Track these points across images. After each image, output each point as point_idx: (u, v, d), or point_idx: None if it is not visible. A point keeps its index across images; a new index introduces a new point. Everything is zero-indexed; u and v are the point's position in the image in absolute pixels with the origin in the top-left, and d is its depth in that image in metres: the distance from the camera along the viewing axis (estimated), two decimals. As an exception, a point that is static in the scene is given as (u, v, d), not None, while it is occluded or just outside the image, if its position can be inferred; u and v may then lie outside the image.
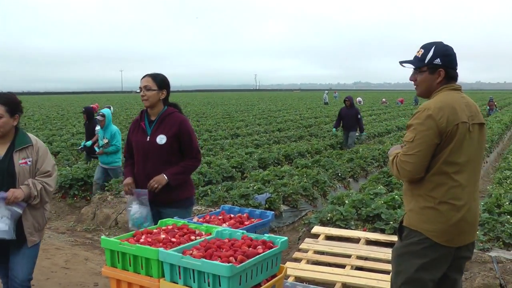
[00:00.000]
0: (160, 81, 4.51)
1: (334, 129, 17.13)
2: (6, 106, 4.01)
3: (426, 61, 3.29)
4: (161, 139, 4.41)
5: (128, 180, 4.51)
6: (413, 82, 3.44)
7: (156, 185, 4.31)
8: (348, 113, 15.61)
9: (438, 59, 3.27)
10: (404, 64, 3.41)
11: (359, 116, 15.69)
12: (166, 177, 4.33)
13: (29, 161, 4.02)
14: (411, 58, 3.42)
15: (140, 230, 4.02)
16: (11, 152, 4.01)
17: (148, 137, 4.48)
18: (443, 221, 3.17)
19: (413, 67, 3.37)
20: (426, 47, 3.32)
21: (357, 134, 16.44)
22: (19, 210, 3.93)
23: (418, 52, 3.36)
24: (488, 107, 37.86)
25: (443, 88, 3.29)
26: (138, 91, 4.52)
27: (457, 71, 3.37)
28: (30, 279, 4.14)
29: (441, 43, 3.34)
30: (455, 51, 3.34)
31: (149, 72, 4.60)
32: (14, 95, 4.19)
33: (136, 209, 4.33)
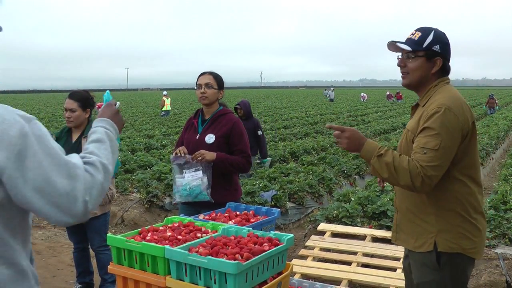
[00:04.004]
0: (220, 81, 4.48)
1: None
2: (79, 102, 4.84)
3: (424, 45, 2.86)
4: (210, 138, 4.33)
5: (183, 147, 4.39)
6: (400, 69, 2.98)
7: (200, 157, 4.15)
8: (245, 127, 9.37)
9: (438, 45, 2.87)
10: (399, 44, 2.91)
11: (259, 133, 9.73)
12: (215, 156, 4.19)
13: None
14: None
15: (193, 200, 4.20)
16: (81, 138, 4.83)
17: (198, 135, 4.42)
18: (479, 234, 2.86)
19: (410, 49, 2.88)
20: (425, 30, 2.91)
21: (257, 160, 10.76)
22: None
23: (413, 34, 2.93)
24: (486, 106, 33.99)
25: (441, 82, 2.92)
26: (196, 88, 4.43)
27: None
28: (103, 245, 4.93)
29: (438, 29, 2.94)
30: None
31: (206, 70, 4.53)
32: (87, 92, 5.06)
33: (198, 176, 4.18)
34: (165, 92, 32.68)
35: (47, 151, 1.67)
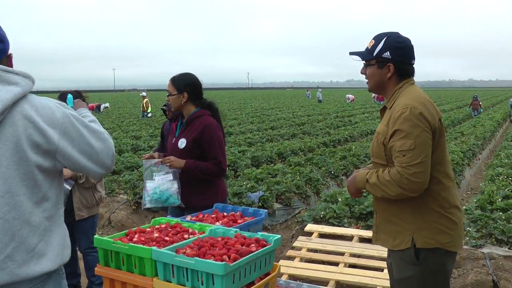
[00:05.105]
0: (180, 84, 4.31)
1: None
2: None
3: (374, 54, 2.99)
4: (182, 143, 4.26)
5: (156, 152, 4.42)
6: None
7: (169, 163, 4.16)
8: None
9: (388, 52, 2.96)
10: (351, 56, 3.09)
11: None
12: (183, 164, 4.17)
13: None
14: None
15: (163, 205, 4.16)
16: None
17: (174, 138, 4.38)
18: (456, 227, 2.92)
19: (359, 59, 3.08)
20: (378, 38, 3.01)
21: None
22: (68, 187, 4.67)
23: (369, 43, 3.05)
24: (471, 108, 32.82)
25: (405, 83, 3.00)
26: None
27: (414, 65, 3.06)
28: (90, 247, 4.93)
29: (395, 34, 3.02)
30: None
31: (173, 75, 4.39)
32: (78, 93, 4.81)
33: (168, 179, 4.16)
34: (144, 93, 32.66)
35: (82, 124, 2.30)
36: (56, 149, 2.21)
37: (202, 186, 4.31)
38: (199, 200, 4.25)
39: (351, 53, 3.10)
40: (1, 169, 2.11)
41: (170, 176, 4.18)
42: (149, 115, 30.67)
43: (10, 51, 2.33)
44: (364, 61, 3.08)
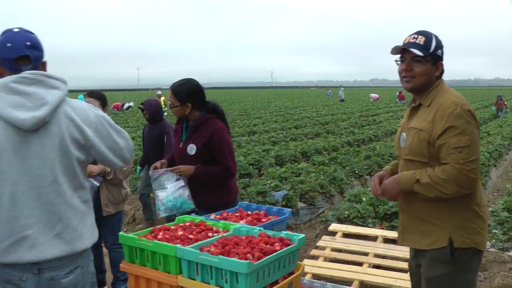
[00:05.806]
0: (181, 95, 4.21)
1: (139, 167, 7.92)
2: (99, 100, 5.04)
3: (431, 50, 2.91)
4: (191, 149, 4.20)
5: (161, 161, 4.35)
6: (403, 73, 2.98)
7: (179, 172, 4.15)
8: (151, 134, 7.23)
9: (440, 50, 2.96)
10: (413, 50, 2.89)
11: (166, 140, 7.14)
12: (193, 171, 4.14)
13: None
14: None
15: (178, 211, 4.13)
16: None
17: (181, 143, 4.30)
18: (485, 226, 2.93)
19: (422, 54, 2.88)
20: (427, 34, 2.94)
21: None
22: (96, 183, 4.77)
23: (417, 38, 2.94)
24: (495, 108, 31.48)
25: (440, 82, 2.99)
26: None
27: None
28: (116, 243, 4.85)
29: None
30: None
31: (174, 82, 4.30)
32: (101, 92, 5.27)
33: (180, 185, 4.16)
34: (159, 92, 32.69)
35: (109, 124, 2.65)
36: (91, 145, 2.55)
37: (213, 185, 4.28)
38: (211, 200, 4.24)
39: (409, 46, 2.93)
40: (49, 162, 2.44)
41: (182, 182, 4.19)
42: (165, 113, 30.78)
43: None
44: (416, 56, 2.92)
